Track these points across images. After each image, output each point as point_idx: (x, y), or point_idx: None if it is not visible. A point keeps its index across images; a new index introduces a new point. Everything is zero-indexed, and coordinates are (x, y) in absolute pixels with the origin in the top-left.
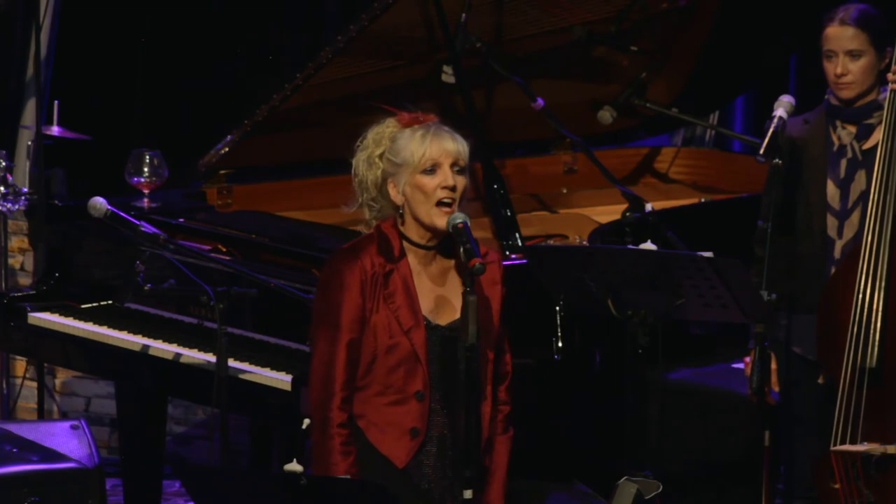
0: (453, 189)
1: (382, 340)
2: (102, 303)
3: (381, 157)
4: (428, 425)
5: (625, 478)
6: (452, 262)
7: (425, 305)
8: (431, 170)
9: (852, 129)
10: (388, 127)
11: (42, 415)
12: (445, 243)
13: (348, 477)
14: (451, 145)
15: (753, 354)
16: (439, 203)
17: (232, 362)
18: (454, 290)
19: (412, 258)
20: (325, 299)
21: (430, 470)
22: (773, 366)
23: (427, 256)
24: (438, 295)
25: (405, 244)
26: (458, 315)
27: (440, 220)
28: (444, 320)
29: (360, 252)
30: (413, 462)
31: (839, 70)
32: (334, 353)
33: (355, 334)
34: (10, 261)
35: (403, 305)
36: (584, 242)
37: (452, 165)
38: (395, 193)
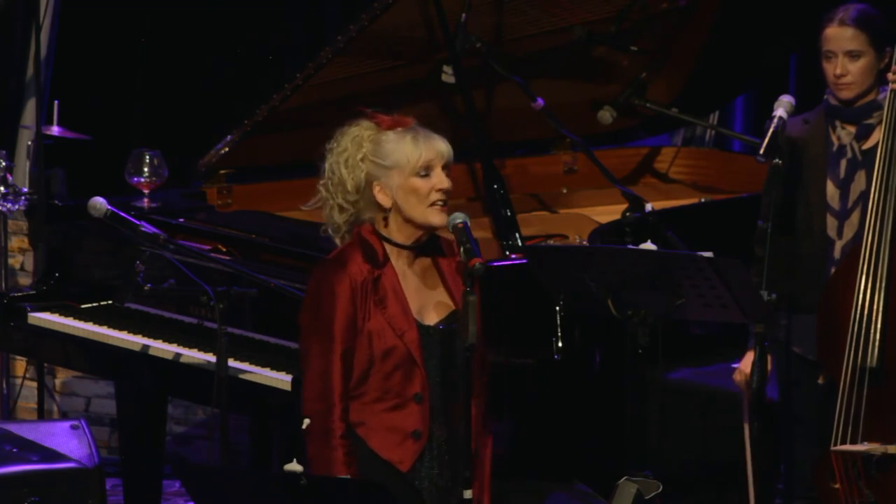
0: (447, 191)
1: (378, 346)
2: (102, 303)
3: (363, 160)
4: (430, 427)
5: (625, 478)
6: (430, 260)
7: (413, 306)
8: (426, 173)
9: (852, 129)
10: (365, 129)
11: (42, 415)
12: (424, 243)
13: (348, 477)
14: (443, 146)
15: (753, 354)
16: (433, 204)
17: (232, 362)
18: (437, 289)
19: (396, 261)
20: (316, 311)
21: (431, 471)
22: (768, 367)
23: (409, 257)
24: (423, 295)
25: (388, 247)
26: (444, 314)
27: (436, 218)
28: (431, 320)
29: (346, 261)
30: (416, 465)
31: (839, 70)
32: (330, 365)
33: (349, 344)
34: (10, 261)
35: (396, 309)
36: (584, 242)
37: (444, 167)
38: (382, 196)
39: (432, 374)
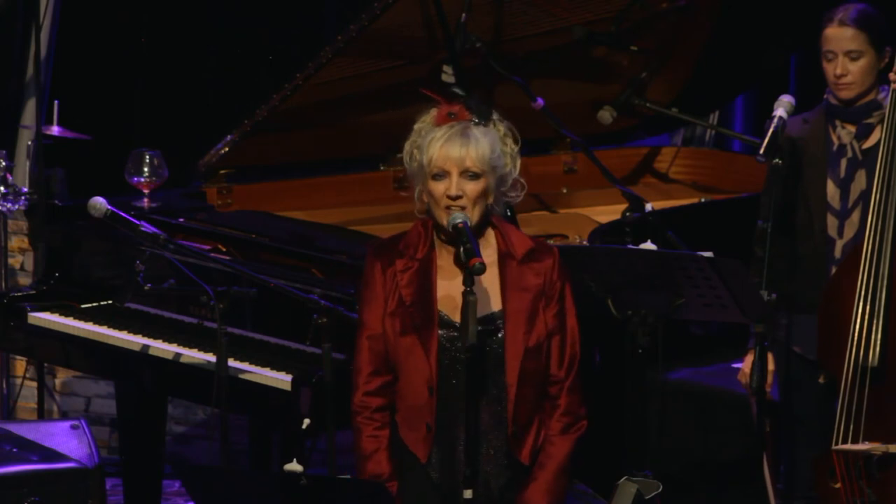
0: (457, 198)
1: (396, 336)
2: (102, 303)
3: (418, 149)
4: (444, 422)
5: (625, 478)
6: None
7: (449, 302)
8: (440, 176)
9: (852, 128)
10: (430, 118)
11: (42, 415)
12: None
13: (348, 477)
14: (457, 153)
15: (753, 354)
16: (446, 207)
17: (232, 362)
18: (480, 288)
19: (444, 255)
20: (358, 294)
21: (446, 467)
22: (771, 367)
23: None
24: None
25: (437, 240)
26: (486, 311)
27: (447, 221)
28: None
29: (383, 249)
30: (431, 458)
31: (839, 71)
32: (359, 348)
33: (377, 330)
34: (10, 261)
35: (417, 302)
36: (584, 242)
37: (462, 172)
38: (419, 192)
39: (458, 371)
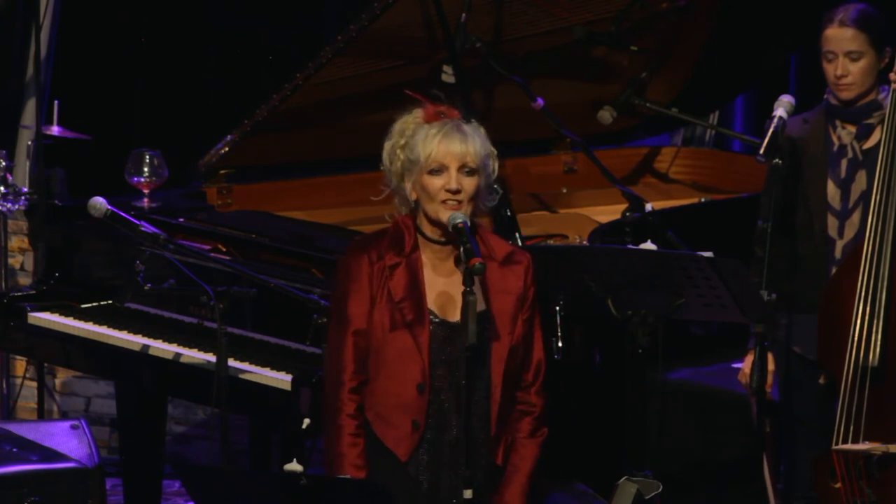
0: (456, 192)
1: (385, 332)
2: (102, 303)
3: (402, 148)
4: (432, 420)
5: (625, 478)
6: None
7: (436, 300)
8: (438, 170)
9: (852, 128)
10: (413, 118)
11: (42, 415)
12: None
13: (349, 477)
14: (458, 148)
15: (753, 354)
16: (443, 202)
17: (232, 362)
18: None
19: (427, 253)
20: (336, 291)
21: (432, 466)
22: (771, 367)
23: (443, 252)
24: (451, 291)
25: (420, 239)
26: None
27: (444, 215)
28: (455, 316)
29: (369, 244)
30: (415, 456)
31: (839, 71)
32: (342, 344)
33: (362, 325)
34: (10, 261)
35: (407, 298)
36: (584, 242)
37: (461, 168)
38: (410, 188)
39: (446, 369)
